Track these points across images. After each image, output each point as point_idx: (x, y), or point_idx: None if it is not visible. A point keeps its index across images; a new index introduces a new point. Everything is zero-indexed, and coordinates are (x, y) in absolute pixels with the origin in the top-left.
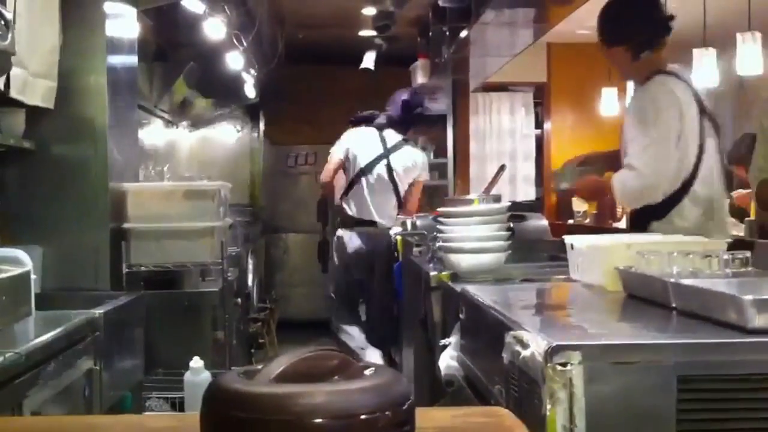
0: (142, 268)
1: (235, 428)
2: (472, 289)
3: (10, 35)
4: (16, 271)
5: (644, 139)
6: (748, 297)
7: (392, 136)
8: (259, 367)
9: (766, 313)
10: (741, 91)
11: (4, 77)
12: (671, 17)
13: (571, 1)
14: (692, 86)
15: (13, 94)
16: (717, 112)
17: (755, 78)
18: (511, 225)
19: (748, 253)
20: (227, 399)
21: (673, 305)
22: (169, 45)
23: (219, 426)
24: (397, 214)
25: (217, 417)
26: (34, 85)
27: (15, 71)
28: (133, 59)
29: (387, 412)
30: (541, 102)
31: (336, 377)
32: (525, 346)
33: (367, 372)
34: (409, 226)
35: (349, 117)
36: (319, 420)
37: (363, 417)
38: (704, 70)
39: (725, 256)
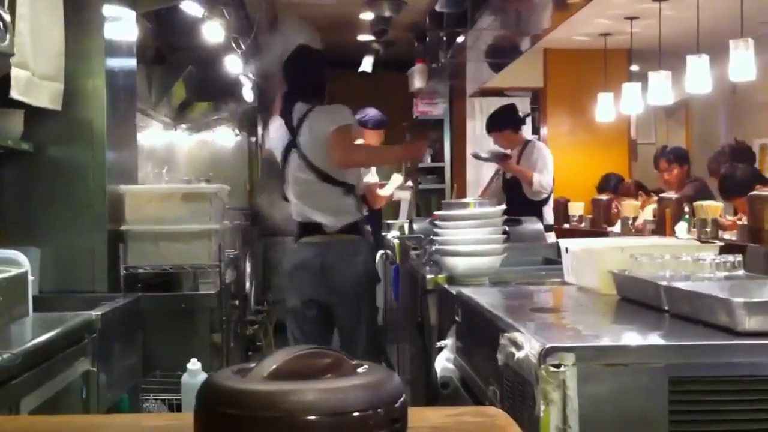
0: (140, 271)
1: (228, 425)
2: (468, 292)
3: (8, 36)
4: (14, 272)
5: None
6: (740, 300)
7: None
8: (253, 365)
9: (757, 316)
10: (734, 97)
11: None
12: None
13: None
14: None
15: (16, 95)
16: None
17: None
18: (507, 228)
19: (739, 257)
20: (220, 396)
21: (666, 308)
22: (168, 48)
23: (212, 423)
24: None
25: (210, 414)
26: (40, 87)
27: (18, 73)
28: (132, 62)
29: (379, 410)
30: (538, 107)
31: (329, 375)
32: (519, 347)
33: (360, 370)
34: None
35: None
36: (311, 417)
37: (355, 414)
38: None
39: (717, 260)
